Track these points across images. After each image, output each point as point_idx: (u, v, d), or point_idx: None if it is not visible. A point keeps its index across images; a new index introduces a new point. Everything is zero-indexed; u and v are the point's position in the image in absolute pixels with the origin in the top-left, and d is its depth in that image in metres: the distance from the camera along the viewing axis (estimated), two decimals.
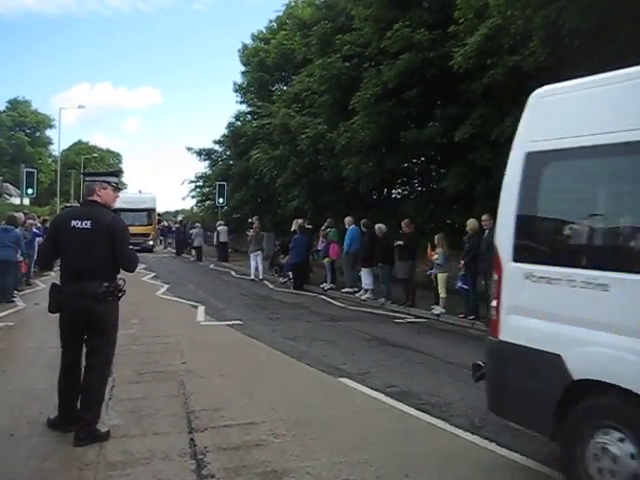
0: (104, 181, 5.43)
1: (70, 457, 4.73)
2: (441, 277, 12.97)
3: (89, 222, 5.12)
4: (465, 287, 12.33)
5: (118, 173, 5.70)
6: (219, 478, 4.43)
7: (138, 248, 30.55)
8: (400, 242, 14.55)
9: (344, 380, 7.36)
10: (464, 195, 17.47)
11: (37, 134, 68.49)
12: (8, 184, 49.84)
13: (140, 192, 41.18)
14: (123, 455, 4.79)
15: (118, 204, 29.46)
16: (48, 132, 69.90)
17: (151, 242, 37.18)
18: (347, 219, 17.08)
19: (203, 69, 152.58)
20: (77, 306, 5.04)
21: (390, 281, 14.69)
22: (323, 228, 18.41)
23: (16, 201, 37.11)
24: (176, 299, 14.79)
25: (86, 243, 5.09)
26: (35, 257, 15.01)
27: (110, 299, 5.19)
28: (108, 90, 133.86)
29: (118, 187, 5.73)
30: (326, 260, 17.63)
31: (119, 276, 5.35)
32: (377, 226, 15.23)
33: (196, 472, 4.51)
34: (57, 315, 5.22)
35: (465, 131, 15.39)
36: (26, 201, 31.06)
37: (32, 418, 5.56)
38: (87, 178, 5.37)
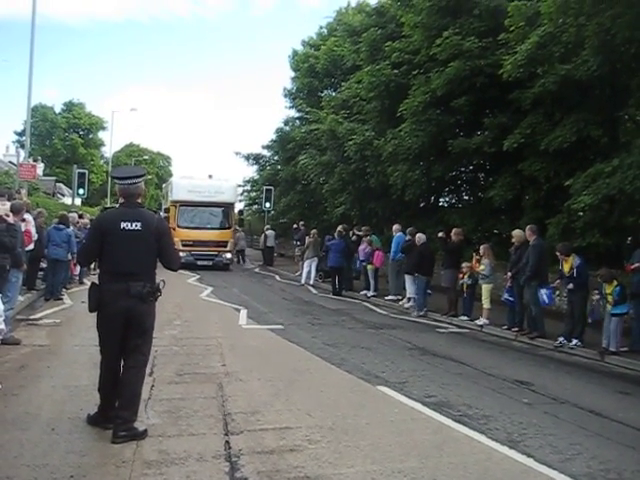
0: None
1: (107, 454, 4.81)
2: (486, 288, 12.77)
3: (139, 224, 5.23)
4: (511, 299, 12.15)
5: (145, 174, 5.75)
6: None
7: (209, 263, 23.87)
8: (442, 233, 14.66)
9: (382, 388, 7.31)
10: (511, 205, 17.27)
11: (90, 136, 69.88)
12: (61, 184, 51.17)
13: (210, 177, 25.87)
14: (159, 454, 4.85)
15: (182, 195, 24.35)
16: (101, 134, 71.40)
17: (229, 255, 25.05)
18: (395, 227, 16.98)
19: (255, 74, 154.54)
20: (120, 305, 5.12)
21: (424, 293, 14.39)
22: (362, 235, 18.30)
23: (68, 201, 37.87)
24: (219, 302, 14.84)
25: (136, 244, 5.20)
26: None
27: (151, 299, 5.29)
28: (160, 93, 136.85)
29: None
30: (369, 267, 17.55)
31: (159, 277, 5.43)
32: (417, 235, 15.04)
33: (229, 474, 4.53)
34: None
35: (514, 140, 15.21)
36: (77, 201, 31.49)
37: (73, 414, 5.69)
38: (125, 181, 5.38)
